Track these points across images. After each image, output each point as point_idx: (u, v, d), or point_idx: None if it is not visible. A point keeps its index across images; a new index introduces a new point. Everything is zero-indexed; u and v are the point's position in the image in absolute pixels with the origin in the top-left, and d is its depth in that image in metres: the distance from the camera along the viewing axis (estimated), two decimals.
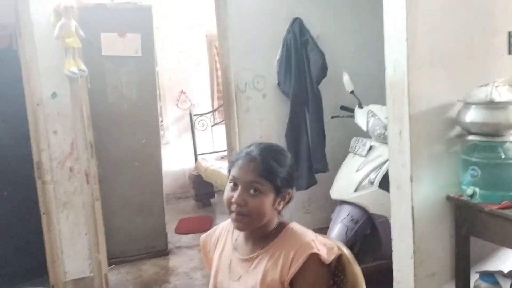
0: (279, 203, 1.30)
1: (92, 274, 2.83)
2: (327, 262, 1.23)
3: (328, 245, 1.27)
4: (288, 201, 1.36)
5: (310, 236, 1.28)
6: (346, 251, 1.35)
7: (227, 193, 1.29)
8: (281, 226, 1.33)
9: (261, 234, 1.32)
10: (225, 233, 1.44)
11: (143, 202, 3.89)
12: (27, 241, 3.22)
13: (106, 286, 2.89)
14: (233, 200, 1.25)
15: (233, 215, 1.27)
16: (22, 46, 2.61)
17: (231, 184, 1.29)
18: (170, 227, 4.57)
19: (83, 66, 2.64)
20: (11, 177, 3.30)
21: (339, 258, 1.33)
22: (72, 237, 2.77)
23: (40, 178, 2.69)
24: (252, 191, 1.25)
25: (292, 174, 1.33)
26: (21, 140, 2.77)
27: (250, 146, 1.34)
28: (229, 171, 1.32)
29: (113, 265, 3.71)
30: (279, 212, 1.39)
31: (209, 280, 1.42)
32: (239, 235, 1.38)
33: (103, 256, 2.87)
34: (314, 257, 1.22)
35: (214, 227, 1.49)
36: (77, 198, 2.76)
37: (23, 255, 3.34)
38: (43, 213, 2.72)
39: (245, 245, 1.35)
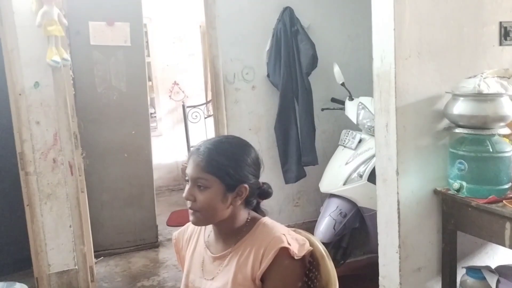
0: (234, 199, 1.25)
1: (76, 267, 2.79)
2: (297, 257, 1.19)
3: (300, 241, 1.24)
4: (264, 195, 1.33)
5: (281, 230, 1.24)
6: (320, 246, 1.31)
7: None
8: (253, 221, 1.29)
9: (230, 230, 1.28)
10: (197, 231, 1.40)
11: (133, 194, 3.86)
12: (14, 233, 3.19)
13: (91, 279, 2.85)
14: (183, 196, 1.25)
15: (189, 210, 1.26)
16: (3, 35, 2.56)
17: (187, 181, 1.27)
18: (162, 219, 4.56)
19: (66, 55, 2.58)
20: None
21: (313, 254, 1.29)
22: (56, 229, 2.73)
23: (23, 169, 2.64)
24: (198, 186, 1.23)
25: (250, 168, 1.27)
26: (6, 130, 2.72)
27: (202, 142, 1.30)
28: None
29: (102, 257, 3.69)
30: (257, 210, 1.35)
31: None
32: (211, 233, 1.35)
33: (88, 249, 2.83)
34: (284, 252, 1.18)
35: (187, 224, 1.45)
36: (61, 190, 2.71)
37: (10, 247, 3.32)
38: (27, 205, 2.67)
39: (217, 243, 1.32)
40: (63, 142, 2.68)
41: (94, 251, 3.07)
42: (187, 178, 1.26)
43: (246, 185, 1.25)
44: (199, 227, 1.39)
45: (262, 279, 1.21)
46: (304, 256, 1.22)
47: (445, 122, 2.14)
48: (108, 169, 3.74)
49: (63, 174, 2.71)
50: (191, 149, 1.32)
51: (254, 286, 1.21)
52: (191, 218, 1.27)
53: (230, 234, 1.29)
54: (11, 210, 3.24)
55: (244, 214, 1.29)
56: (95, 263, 3.17)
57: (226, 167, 1.23)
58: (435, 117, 2.14)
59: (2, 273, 3.17)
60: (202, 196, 1.22)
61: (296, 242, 1.22)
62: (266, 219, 1.30)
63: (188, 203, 1.25)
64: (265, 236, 1.23)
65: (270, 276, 1.19)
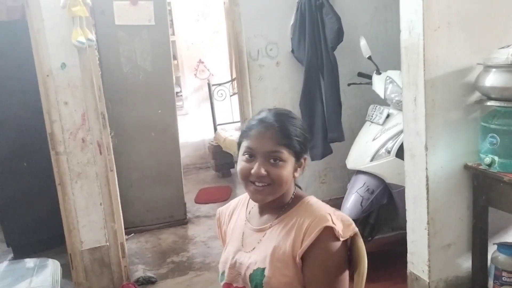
0: (296, 170, 1.24)
1: (108, 243, 2.87)
2: (342, 238, 1.15)
3: (346, 221, 1.19)
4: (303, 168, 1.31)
5: (326, 209, 1.21)
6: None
7: (242, 165, 1.22)
8: (298, 198, 1.27)
9: (276, 205, 1.26)
10: (240, 206, 1.39)
11: (161, 172, 3.92)
12: (47, 210, 3.30)
13: (122, 255, 2.93)
14: (252, 171, 1.19)
15: (252, 187, 1.21)
16: (29, 17, 2.59)
17: (246, 155, 1.21)
18: (191, 197, 4.62)
19: (91, 36, 2.60)
20: (31, 148, 3.37)
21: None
22: (87, 207, 2.80)
23: (53, 149, 2.70)
24: (272, 160, 1.19)
25: (306, 137, 1.26)
26: (38, 111, 2.78)
27: (261, 112, 1.25)
28: (240, 142, 1.26)
29: (133, 234, 3.79)
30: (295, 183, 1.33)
31: None
32: (254, 207, 1.33)
33: (118, 226, 2.89)
34: (329, 231, 1.15)
35: (231, 200, 1.44)
36: (90, 169, 2.76)
37: (44, 224, 3.44)
38: (58, 184, 2.74)
39: (259, 216, 1.30)
40: (91, 122, 2.72)
41: (125, 228, 3.14)
42: (248, 153, 1.21)
43: (306, 156, 1.26)
44: (242, 203, 1.38)
45: (303, 258, 1.17)
46: (347, 237, 1.18)
47: (476, 95, 2.07)
48: (136, 148, 3.80)
49: (92, 153, 2.76)
50: (249, 122, 1.25)
51: (293, 263, 1.18)
52: (257, 195, 1.21)
53: (275, 209, 1.26)
54: (42, 189, 3.35)
55: (292, 188, 1.27)
56: (127, 239, 3.24)
57: (298, 137, 1.21)
58: (466, 90, 2.07)
59: (35, 251, 3.30)
60: (278, 170, 1.18)
61: (341, 223, 1.18)
62: (311, 198, 1.27)
63: (253, 178, 1.19)
64: (309, 214, 1.20)
65: (312, 255, 1.15)
